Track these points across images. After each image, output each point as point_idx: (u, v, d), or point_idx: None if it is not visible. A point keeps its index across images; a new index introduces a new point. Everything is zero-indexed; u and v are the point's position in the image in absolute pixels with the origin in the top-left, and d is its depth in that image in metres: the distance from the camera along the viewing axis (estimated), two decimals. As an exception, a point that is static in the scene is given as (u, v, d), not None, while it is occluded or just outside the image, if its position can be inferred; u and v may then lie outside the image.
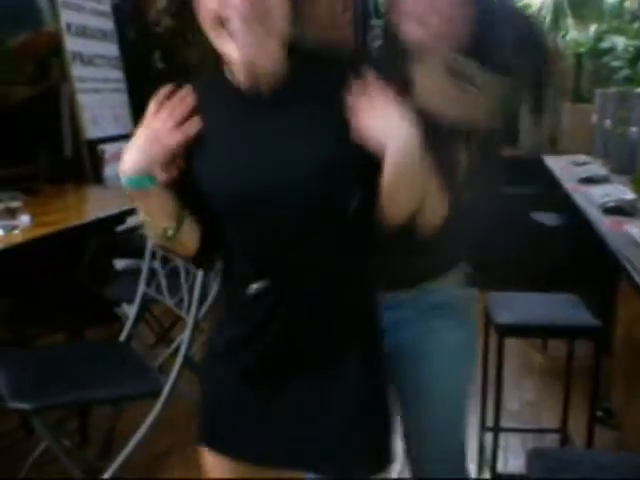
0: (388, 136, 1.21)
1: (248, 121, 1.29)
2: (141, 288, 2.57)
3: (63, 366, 2.35)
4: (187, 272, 2.28)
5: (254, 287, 1.31)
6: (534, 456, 1.48)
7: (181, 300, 2.31)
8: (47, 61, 5.39)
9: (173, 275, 2.37)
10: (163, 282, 2.42)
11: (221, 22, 1.20)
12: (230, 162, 1.30)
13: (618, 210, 3.00)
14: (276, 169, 1.26)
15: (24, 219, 2.61)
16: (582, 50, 5.81)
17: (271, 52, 1.23)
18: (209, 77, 1.37)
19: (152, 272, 2.54)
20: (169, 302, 2.40)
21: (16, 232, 2.53)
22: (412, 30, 1.41)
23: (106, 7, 5.46)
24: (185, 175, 1.31)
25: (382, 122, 1.21)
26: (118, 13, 5.67)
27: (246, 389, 1.40)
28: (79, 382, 2.25)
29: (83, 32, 5.06)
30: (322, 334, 1.35)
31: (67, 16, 4.91)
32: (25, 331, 3.35)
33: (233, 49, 1.21)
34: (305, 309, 1.32)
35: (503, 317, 2.61)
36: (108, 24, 5.45)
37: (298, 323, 1.33)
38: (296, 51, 1.29)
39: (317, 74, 1.31)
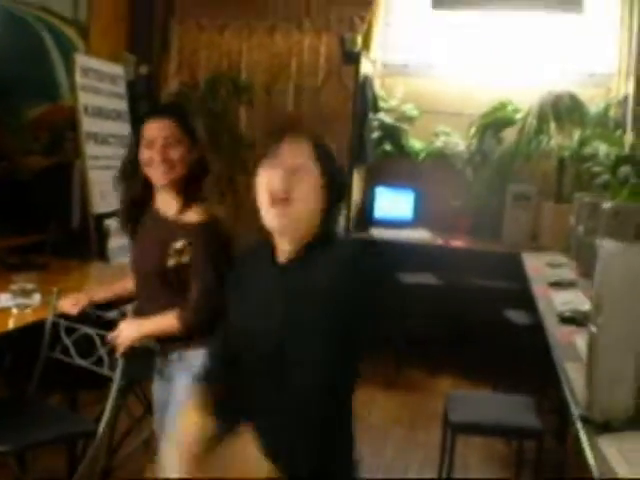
0: None
1: (271, 282, 1.70)
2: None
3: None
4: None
5: None
6: None
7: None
8: (62, 134, 5.67)
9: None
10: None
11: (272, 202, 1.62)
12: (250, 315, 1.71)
13: (573, 320, 3.24)
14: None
15: (36, 298, 2.89)
16: (565, 154, 6.10)
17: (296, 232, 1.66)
18: (257, 244, 1.76)
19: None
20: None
21: (28, 311, 2.81)
22: None
23: (121, 89, 5.76)
24: None
25: None
26: (132, 91, 5.98)
27: None
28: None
29: (99, 113, 5.34)
30: None
31: (84, 98, 5.18)
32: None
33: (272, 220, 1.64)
34: None
35: (456, 416, 2.88)
36: (122, 104, 5.73)
37: None
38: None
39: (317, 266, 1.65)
